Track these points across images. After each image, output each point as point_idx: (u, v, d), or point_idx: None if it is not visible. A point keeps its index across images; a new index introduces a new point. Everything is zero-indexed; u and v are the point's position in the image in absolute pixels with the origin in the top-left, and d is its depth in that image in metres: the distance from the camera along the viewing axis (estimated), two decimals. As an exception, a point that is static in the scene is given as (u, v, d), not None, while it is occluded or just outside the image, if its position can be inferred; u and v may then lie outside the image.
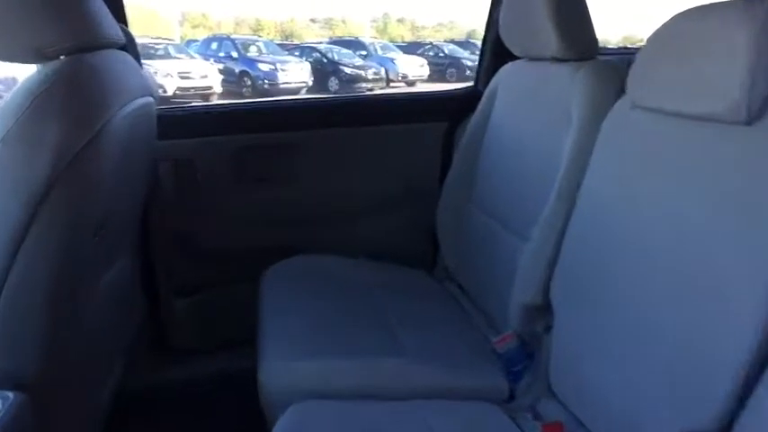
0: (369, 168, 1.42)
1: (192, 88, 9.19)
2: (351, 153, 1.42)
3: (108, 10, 0.87)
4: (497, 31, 1.23)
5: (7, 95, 0.69)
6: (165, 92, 8.57)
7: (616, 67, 0.96)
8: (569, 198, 0.88)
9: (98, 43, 0.80)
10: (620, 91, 0.87)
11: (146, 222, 1.21)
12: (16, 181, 0.66)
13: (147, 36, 10.36)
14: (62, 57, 0.73)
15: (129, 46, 1.04)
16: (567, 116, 0.94)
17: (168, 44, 10.37)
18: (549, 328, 0.91)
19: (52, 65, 0.71)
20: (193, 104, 1.51)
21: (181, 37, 14.91)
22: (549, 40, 0.98)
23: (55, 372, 0.75)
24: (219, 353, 1.35)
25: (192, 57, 10.19)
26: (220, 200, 1.35)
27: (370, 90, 10.69)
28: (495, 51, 1.36)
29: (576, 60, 0.98)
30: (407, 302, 1.19)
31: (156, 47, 9.70)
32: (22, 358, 0.71)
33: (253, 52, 11.00)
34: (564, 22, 0.97)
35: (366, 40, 13.64)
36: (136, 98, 0.89)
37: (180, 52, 10.24)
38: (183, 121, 1.31)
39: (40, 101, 0.67)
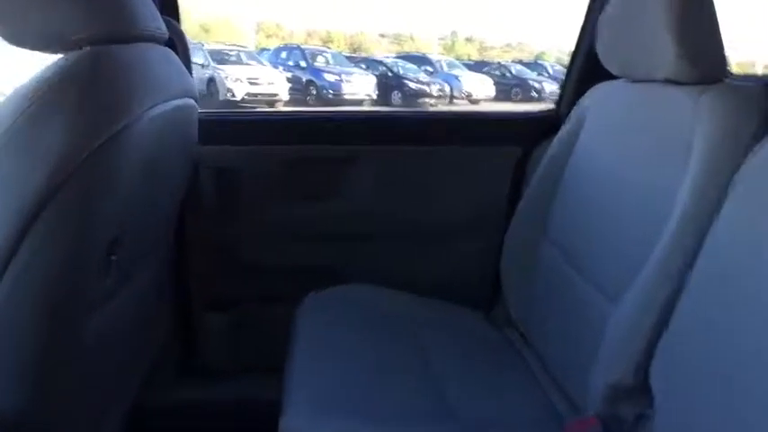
0: (428, 192, 1.28)
1: (260, 94, 9.45)
2: (410, 173, 1.27)
3: (152, 0, 0.78)
4: (590, 46, 1.06)
5: (17, 86, 0.59)
6: (233, 96, 8.86)
7: (753, 92, 0.76)
8: (684, 255, 0.69)
9: (132, 35, 0.70)
10: (762, 123, 0.67)
11: (180, 231, 1.11)
12: (10, 187, 0.56)
13: (223, 43, 10.80)
14: (86, 47, 0.63)
15: (178, 43, 0.95)
16: (686, 150, 0.74)
17: (241, 51, 10.74)
18: (642, 417, 0.72)
19: (73, 55, 0.62)
20: (243, 111, 1.44)
21: (255, 45, 15.48)
22: (666, 57, 0.79)
23: (47, 404, 0.65)
24: (247, 376, 1.25)
25: (262, 64, 10.49)
26: (264, 212, 1.24)
27: (433, 106, 10.60)
28: (585, 70, 1.18)
29: (698, 84, 0.79)
30: (461, 352, 1.03)
31: (230, 53, 10.07)
32: (8, 394, 0.60)
33: (320, 62, 11.18)
34: (688, 36, 0.77)
35: (433, 56, 13.58)
36: (171, 99, 0.78)
37: (251, 59, 10.56)
38: (229, 127, 1.22)
39: (49, 96, 0.57)
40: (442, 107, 10.35)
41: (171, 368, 1.21)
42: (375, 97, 10.66)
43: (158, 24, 0.78)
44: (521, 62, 14.04)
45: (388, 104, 10.50)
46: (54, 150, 0.56)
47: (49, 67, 0.60)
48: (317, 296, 1.12)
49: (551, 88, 12.49)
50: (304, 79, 10.52)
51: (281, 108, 9.75)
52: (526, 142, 1.26)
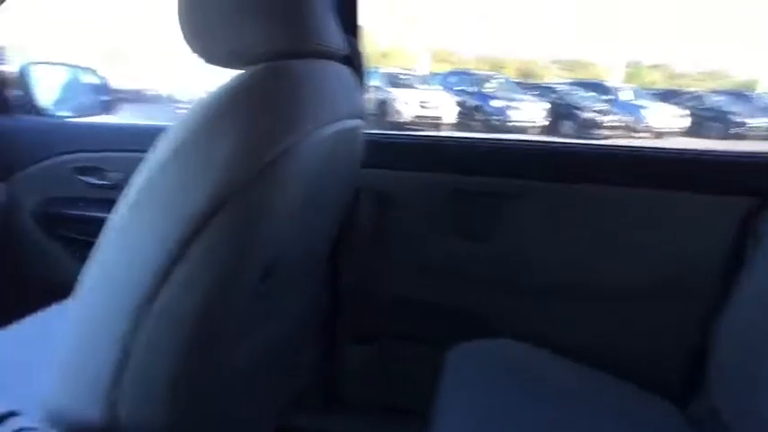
0: (616, 241, 1.06)
1: (427, 117, 9.71)
2: (590, 217, 1.08)
3: (332, 16, 0.74)
4: None
5: (196, 101, 0.59)
6: (401, 117, 9.23)
7: None
8: None
9: (311, 50, 0.66)
10: None
11: (333, 260, 1.08)
12: (174, 202, 0.54)
13: (398, 67, 11.36)
14: (265, 62, 0.61)
15: (355, 61, 0.92)
16: None
17: (413, 75, 11.19)
18: None
19: (252, 70, 0.59)
20: (407, 133, 1.40)
21: (428, 70, 16.04)
22: None
23: (193, 425, 0.63)
24: (387, 414, 1.16)
25: (431, 88, 10.77)
26: (418, 245, 1.15)
27: (607, 138, 9.74)
28: None
29: None
30: None
31: (402, 77, 10.54)
32: (150, 410, 0.59)
33: (489, 88, 11.08)
34: None
35: (611, 84, 12.56)
36: (343, 118, 0.74)
37: (422, 83, 10.92)
38: (391, 150, 1.15)
39: (225, 109, 0.55)
40: (620, 140, 9.45)
41: (313, 397, 1.18)
42: (543, 125, 10.21)
43: (338, 41, 0.74)
44: (718, 92, 12.25)
45: (557, 134, 9.96)
46: (225, 164, 0.53)
47: (228, 81, 0.59)
48: (471, 346, 0.99)
49: (761, 122, 10.64)
50: (471, 104, 10.51)
51: (446, 132, 9.87)
52: (759, 192, 0.98)
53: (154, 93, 12.38)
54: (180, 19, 0.61)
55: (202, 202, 0.53)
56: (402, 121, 9.19)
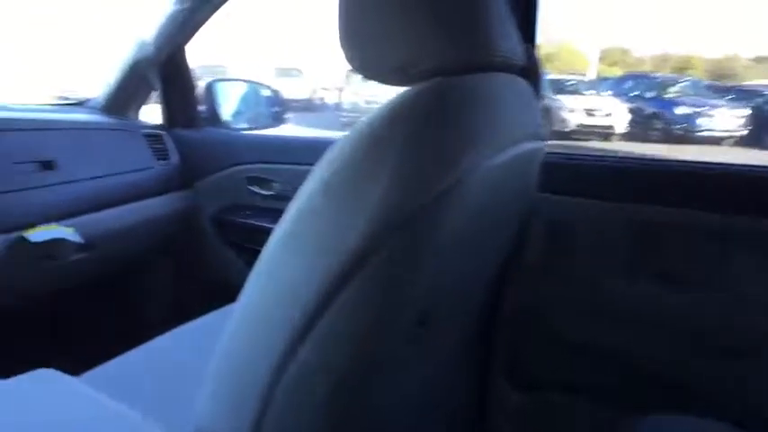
0: None
1: (594, 126, 8.92)
2: None
3: (512, 20, 0.63)
4: None
5: (358, 123, 0.52)
6: (565, 126, 8.61)
7: None
8: None
9: (486, 62, 0.56)
10: None
11: (495, 295, 0.95)
12: (325, 239, 0.48)
13: (562, 72, 10.67)
14: (434, 78, 0.52)
15: (531, 73, 0.79)
16: None
17: (580, 80, 10.40)
18: None
19: (416, 88, 0.51)
20: (590, 153, 1.20)
21: (596, 73, 14.80)
22: None
23: None
24: None
25: (600, 94, 9.89)
26: (595, 282, 0.97)
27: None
28: None
29: None
30: None
31: (568, 82, 9.85)
32: None
33: (672, 93, 9.77)
34: None
35: None
36: (520, 142, 0.62)
37: (590, 89, 10.10)
38: (571, 173, 0.99)
39: (386, 133, 0.48)
40: None
41: None
42: (742, 136, 8.64)
43: (516, 50, 0.63)
44: None
45: (763, 147, 8.35)
46: (382, 200, 0.46)
47: (390, 102, 0.51)
48: (667, 422, 0.79)
49: None
50: (647, 111, 9.37)
51: (614, 142, 8.97)
52: None
53: (321, 102, 13.47)
54: (339, 30, 0.56)
55: (355, 242, 0.46)
56: (566, 130, 8.57)
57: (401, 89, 0.54)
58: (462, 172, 0.50)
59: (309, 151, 1.34)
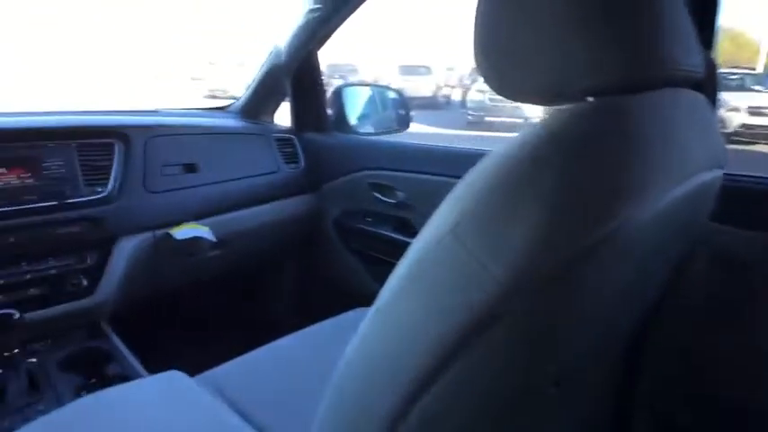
0: None
1: (760, 126, 7.68)
2: None
3: (691, 26, 0.50)
4: None
5: (495, 150, 0.44)
6: (724, 127, 7.54)
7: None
8: None
9: (659, 78, 0.45)
10: None
11: (640, 333, 0.81)
12: (452, 285, 0.41)
13: (725, 64, 9.35)
14: (591, 99, 0.43)
15: (707, 84, 0.64)
16: None
17: (746, 74, 9.02)
18: None
19: (569, 111, 0.42)
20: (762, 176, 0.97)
21: (765, 66, 12.78)
22: None
23: None
24: None
25: (773, 90, 8.51)
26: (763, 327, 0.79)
27: None
28: None
29: None
30: None
31: (730, 76, 8.59)
32: None
33: None
34: None
35: None
36: (697, 172, 0.50)
37: (758, 84, 8.72)
38: (746, 198, 0.81)
39: (529, 168, 0.40)
40: None
41: None
42: None
43: (695, 61, 0.50)
44: None
45: None
46: (532, 238, 0.38)
47: (539, 127, 0.43)
48: None
49: None
50: (838, 110, 7.84)
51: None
52: None
53: (446, 100, 13.34)
54: (475, 44, 0.49)
55: (487, 290, 0.39)
56: (726, 131, 7.49)
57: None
58: (625, 215, 0.40)
59: (435, 161, 1.30)
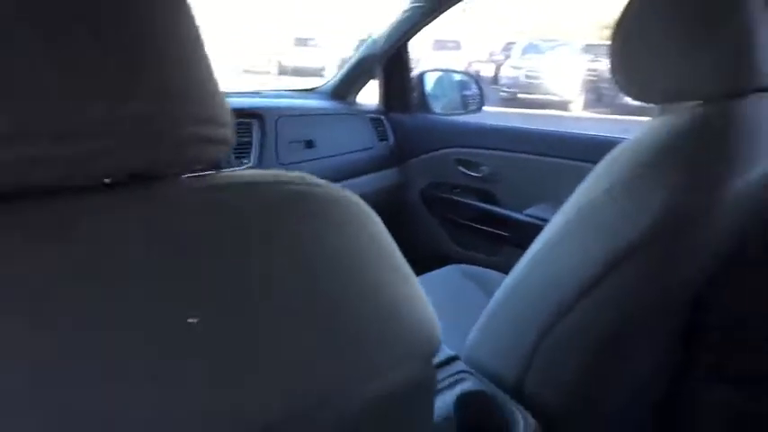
0: None
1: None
2: None
3: None
4: None
5: (633, 137, 0.63)
6: None
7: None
8: None
9: (750, 87, 0.62)
10: None
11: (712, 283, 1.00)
12: (612, 230, 0.60)
13: None
14: (700, 103, 0.61)
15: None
16: None
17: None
18: None
19: (686, 112, 0.60)
20: None
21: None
22: None
23: (572, 412, 0.72)
24: None
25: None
26: None
27: None
28: None
29: None
30: None
31: None
32: (552, 390, 0.70)
33: None
34: None
35: None
36: None
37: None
38: None
39: (662, 151, 0.58)
40: None
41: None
42: None
43: None
44: None
45: None
46: (664, 202, 0.56)
47: (661, 122, 0.61)
48: None
49: None
50: None
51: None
52: None
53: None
54: (613, 57, 0.66)
55: (634, 238, 0.58)
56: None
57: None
58: (726, 190, 0.58)
59: (506, 138, 1.47)
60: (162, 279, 0.22)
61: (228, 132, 0.26)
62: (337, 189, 0.29)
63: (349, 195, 0.29)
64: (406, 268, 0.32)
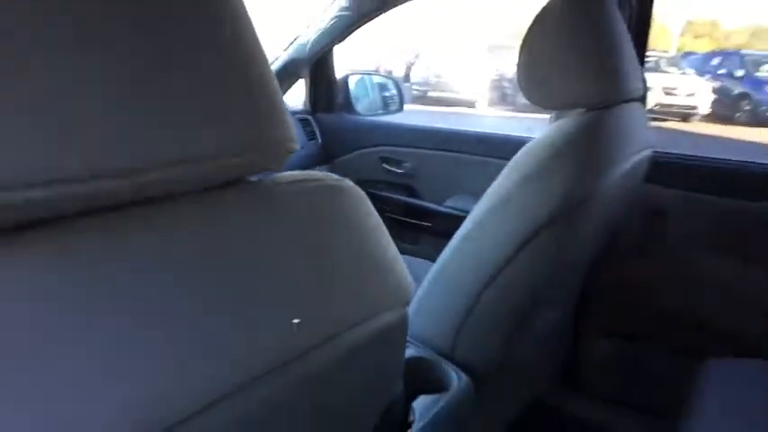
0: None
1: (674, 105, 8.60)
2: None
3: (636, 60, 0.86)
4: None
5: (538, 138, 0.78)
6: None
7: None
8: None
9: (620, 99, 0.80)
10: None
11: (596, 261, 1.21)
12: (523, 214, 0.75)
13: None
14: (585, 111, 0.77)
15: (644, 96, 1.02)
16: None
17: (660, 57, 9.93)
18: None
19: (575, 117, 0.77)
20: (680, 153, 1.35)
21: (678, 48, 14.01)
22: None
23: (497, 368, 0.86)
24: (623, 410, 1.26)
25: (683, 72, 9.44)
26: (682, 261, 1.20)
27: None
28: None
29: None
30: None
31: (647, 59, 9.44)
32: (481, 346, 0.84)
33: (765, 72, 9.19)
34: None
35: None
36: (637, 153, 0.86)
37: (671, 66, 9.64)
38: (667, 169, 1.20)
39: (560, 149, 0.74)
40: None
41: (560, 380, 1.34)
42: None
43: (639, 84, 0.86)
44: None
45: None
46: (557, 193, 0.72)
47: (557, 126, 0.77)
48: (731, 363, 1.02)
49: None
50: (735, 91, 8.90)
51: (695, 123, 8.64)
52: None
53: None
54: (520, 73, 0.81)
55: (542, 219, 0.73)
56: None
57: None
58: (604, 178, 0.75)
59: (426, 137, 1.62)
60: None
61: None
62: (344, 180, 0.39)
63: (352, 185, 0.39)
64: (389, 236, 0.43)
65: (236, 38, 0.30)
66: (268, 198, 0.34)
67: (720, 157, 1.24)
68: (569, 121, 0.77)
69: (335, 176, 0.38)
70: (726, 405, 0.93)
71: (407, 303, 0.41)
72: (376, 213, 0.41)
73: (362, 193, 0.39)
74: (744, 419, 0.89)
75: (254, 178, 0.34)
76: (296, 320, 0.31)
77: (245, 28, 0.31)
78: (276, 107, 0.32)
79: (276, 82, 0.33)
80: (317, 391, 0.36)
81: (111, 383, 0.25)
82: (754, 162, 1.19)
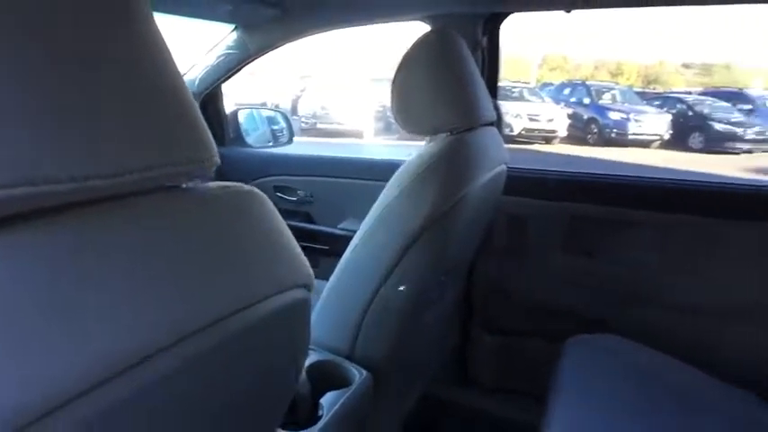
0: (706, 269, 1.24)
1: (537, 130, 9.67)
2: (695, 248, 1.26)
3: (489, 98, 1.04)
4: None
5: (412, 157, 0.92)
6: (511, 131, 9.28)
7: None
8: None
9: (477, 124, 0.97)
10: None
11: (472, 267, 1.38)
12: (403, 222, 0.87)
13: (507, 80, 11.38)
14: (448, 134, 0.93)
15: (498, 121, 1.21)
16: None
17: (523, 87, 11.12)
18: None
19: (442, 140, 0.92)
20: (541, 169, 1.60)
21: (537, 79, 15.76)
22: None
23: (393, 364, 0.96)
24: (509, 396, 1.43)
25: (543, 100, 10.65)
26: (543, 259, 1.41)
27: (748, 152, 8.98)
28: None
29: None
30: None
31: (513, 89, 10.55)
32: (377, 345, 0.93)
33: (606, 99, 10.70)
34: None
35: (755, 92, 11.41)
36: (494, 167, 1.03)
37: (533, 95, 10.83)
38: (526, 182, 1.42)
39: (430, 166, 0.88)
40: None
41: (450, 373, 1.48)
42: (667, 138, 9.66)
43: (491, 112, 1.04)
44: None
45: (684, 148, 9.37)
46: (432, 201, 0.85)
47: (428, 147, 0.91)
48: (586, 338, 1.21)
49: None
50: (585, 117, 10.24)
51: (556, 145, 9.76)
52: None
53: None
54: (394, 106, 0.95)
55: (418, 225, 0.85)
56: (512, 134, 9.24)
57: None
58: (470, 186, 0.90)
59: (317, 166, 1.73)
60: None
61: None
62: (254, 188, 0.47)
63: (260, 192, 0.47)
64: (290, 232, 0.50)
65: (161, 68, 0.37)
66: (199, 200, 0.41)
67: (572, 170, 1.48)
68: (438, 143, 0.91)
69: (248, 186, 0.46)
70: (579, 376, 1.10)
71: (308, 287, 0.49)
72: (278, 213, 0.49)
73: (267, 198, 0.48)
74: (595, 387, 1.06)
75: (188, 185, 0.41)
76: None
77: (167, 59, 0.38)
78: (201, 130, 0.39)
79: (198, 110, 0.41)
80: (220, 365, 0.41)
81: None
82: (601, 174, 1.44)
